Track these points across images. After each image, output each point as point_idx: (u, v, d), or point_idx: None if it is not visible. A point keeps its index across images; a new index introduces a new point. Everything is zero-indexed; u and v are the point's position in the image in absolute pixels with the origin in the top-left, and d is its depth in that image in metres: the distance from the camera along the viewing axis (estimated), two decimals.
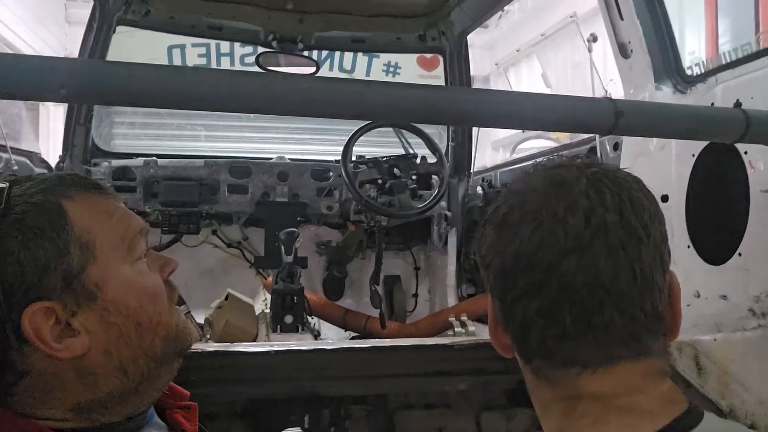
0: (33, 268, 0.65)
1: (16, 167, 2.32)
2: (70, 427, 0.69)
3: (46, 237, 0.66)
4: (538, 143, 4.01)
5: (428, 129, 2.88)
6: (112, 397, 0.71)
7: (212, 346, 1.23)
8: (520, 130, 4.48)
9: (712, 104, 1.37)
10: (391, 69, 3.99)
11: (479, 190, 3.11)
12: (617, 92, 1.67)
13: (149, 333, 0.72)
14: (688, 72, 1.55)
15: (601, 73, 2.06)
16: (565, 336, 0.58)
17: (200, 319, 2.54)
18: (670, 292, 0.62)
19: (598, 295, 0.57)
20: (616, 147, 1.84)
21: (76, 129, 2.82)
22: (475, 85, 3.35)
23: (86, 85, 0.76)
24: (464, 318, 2.60)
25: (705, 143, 1.36)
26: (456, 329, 2.53)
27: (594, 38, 2.05)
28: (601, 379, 0.58)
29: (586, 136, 2.19)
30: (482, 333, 2.72)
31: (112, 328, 0.69)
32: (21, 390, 0.68)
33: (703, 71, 1.49)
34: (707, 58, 4.56)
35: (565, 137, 3.49)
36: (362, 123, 2.64)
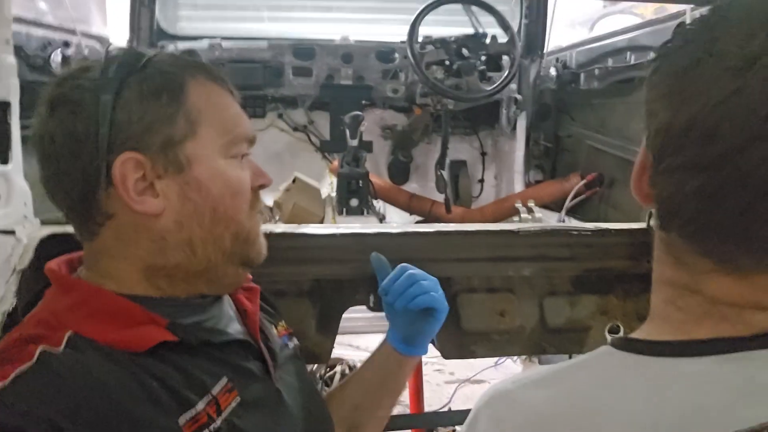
0: (140, 122, 0.71)
1: (87, 51, 2.35)
2: (137, 294, 0.73)
3: (161, 101, 0.72)
4: (620, 19, 3.72)
5: (499, 5, 2.70)
6: (178, 269, 0.75)
7: (280, 228, 1.25)
8: (600, 5, 4.15)
9: None
10: None
11: (552, 71, 2.95)
12: None
13: (221, 223, 0.75)
14: None
15: None
16: (716, 228, 0.50)
17: (269, 202, 2.61)
18: None
19: None
20: None
21: (140, 11, 2.81)
22: None
23: None
24: (531, 204, 2.56)
25: None
26: (522, 215, 2.50)
27: None
28: (730, 283, 0.52)
29: (674, 10, 2.01)
30: (549, 220, 2.69)
31: (188, 204, 0.73)
32: (104, 236, 0.74)
33: None
34: None
35: (649, 13, 3.21)
36: (430, 0, 2.51)
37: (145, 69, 0.73)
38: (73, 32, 2.33)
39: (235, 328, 0.82)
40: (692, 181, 0.50)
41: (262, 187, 0.81)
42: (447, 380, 3.46)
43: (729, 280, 0.52)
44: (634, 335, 0.57)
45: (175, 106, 0.72)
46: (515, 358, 3.45)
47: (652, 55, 2.19)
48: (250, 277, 0.90)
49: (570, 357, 1.78)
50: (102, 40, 2.69)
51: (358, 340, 3.51)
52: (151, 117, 0.71)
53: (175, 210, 0.73)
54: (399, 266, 1.07)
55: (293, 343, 0.95)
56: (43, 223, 1.23)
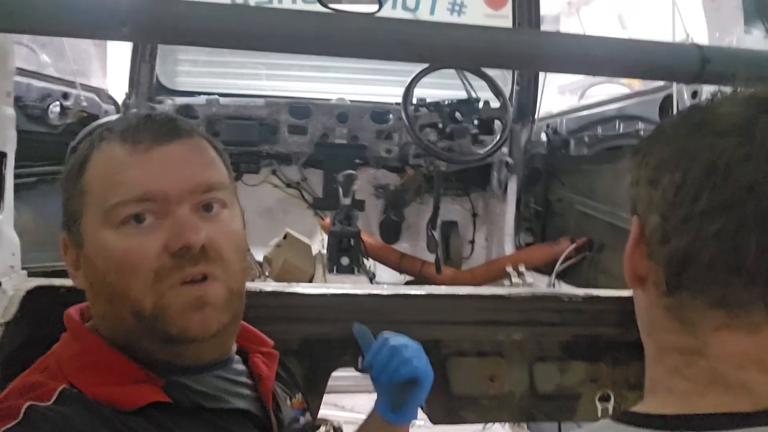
0: (65, 203, 0.75)
1: (85, 103, 2.39)
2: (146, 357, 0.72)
3: (70, 179, 0.74)
4: (608, 89, 3.83)
5: (492, 72, 2.78)
6: (131, 336, 0.72)
7: (270, 286, 1.25)
8: (590, 76, 4.28)
9: None
10: (456, 8, 3.85)
11: (543, 136, 3.01)
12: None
13: (116, 301, 0.70)
14: None
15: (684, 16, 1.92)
16: (738, 268, 0.50)
17: (259, 257, 2.60)
18: None
19: None
20: (695, 95, 1.73)
21: (141, 66, 2.87)
22: (545, 25, 3.20)
23: (148, 23, 0.76)
24: (521, 268, 2.57)
25: None
26: (513, 279, 2.50)
27: None
28: (738, 341, 0.52)
29: (661, 83, 2.07)
30: (539, 283, 2.69)
31: (89, 280, 0.73)
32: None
33: None
34: None
35: (637, 84, 3.31)
36: (425, 64, 2.58)
37: (77, 147, 0.75)
38: (72, 84, 2.37)
39: (242, 395, 0.77)
40: (712, 225, 0.51)
41: (187, 249, 0.68)
42: None
43: (738, 338, 0.52)
44: (636, 409, 0.56)
45: (76, 182, 0.73)
46: (504, 424, 3.38)
47: (640, 124, 2.26)
48: (271, 342, 0.87)
49: (559, 425, 1.74)
50: (101, 93, 2.73)
51: (344, 400, 3.44)
52: (67, 198, 0.74)
53: (86, 286, 0.74)
54: (380, 336, 1.05)
55: (305, 418, 0.89)
56: (31, 272, 1.22)
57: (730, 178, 0.50)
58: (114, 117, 0.83)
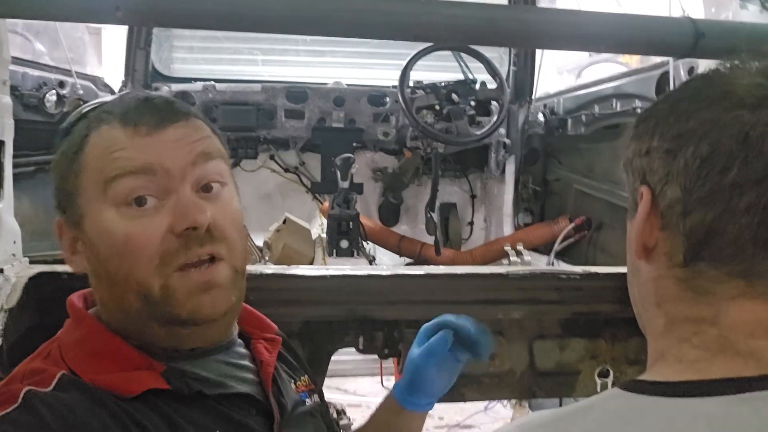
0: (58, 184, 0.73)
1: (81, 91, 2.38)
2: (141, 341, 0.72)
3: (65, 160, 0.72)
4: (605, 68, 3.81)
5: (489, 53, 2.77)
6: (134, 321, 0.71)
7: (270, 269, 1.26)
8: (586, 54, 4.26)
9: None
10: None
11: (540, 117, 3.01)
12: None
13: (118, 285, 0.69)
14: None
15: None
16: (766, 241, 0.51)
17: (259, 242, 2.61)
18: None
19: None
20: (691, 72, 1.72)
21: (136, 53, 2.86)
22: (541, 2, 3.18)
23: (141, 6, 0.75)
24: (520, 247, 2.58)
25: None
26: (511, 258, 2.52)
27: None
28: (754, 308, 0.52)
29: (658, 60, 2.07)
30: (538, 262, 2.71)
31: (90, 263, 0.72)
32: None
33: None
34: None
35: (634, 62, 3.30)
36: (421, 46, 2.57)
37: (72, 129, 0.73)
38: (68, 73, 2.36)
39: (244, 379, 0.77)
40: (743, 198, 0.51)
41: (193, 229, 0.67)
42: (436, 425, 3.40)
43: (753, 305, 0.53)
44: (644, 377, 0.56)
45: (73, 164, 0.71)
46: (505, 402, 3.41)
47: (637, 102, 2.26)
48: (275, 327, 0.87)
49: (561, 401, 1.76)
50: (97, 81, 2.72)
51: (346, 383, 3.46)
52: (61, 178, 0.72)
53: (88, 269, 0.72)
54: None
55: (313, 400, 0.87)
56: (32, 261, 1.23)
57: (764, 151, 0.50)
58: (108, 98, 0.80)
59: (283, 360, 0.86)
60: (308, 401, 0.87)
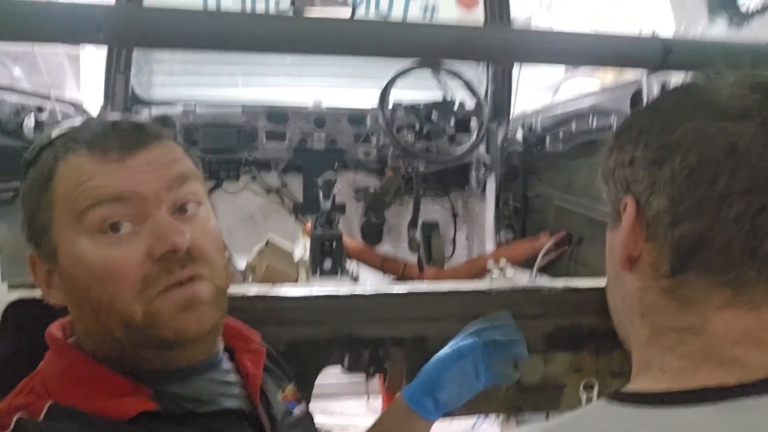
0: (29, 217, 0.71)
1: (60, 117, 2.37)
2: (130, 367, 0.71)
3: (33, 193, 0.70)
4: (581, 82, 3.89)
5: (468, 72, 2.81)
6: (120, 347, 0.70)
7: (254, 289, 1.25)
8: (563, 71, 4.34)
9: None
10: (428, 12, 3.88)
11: (519, 134, 3.05)
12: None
13: (101, 313, 0.68)
14: (743, 6, 1.46)
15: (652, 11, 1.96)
16: (754, 251, 0.51)
17: (242, 265, 2.60)
18: None
19: None
20: (664, 87, 1.77)
21: (116, 77, 2.85)
22: (517, 26, 3.24)
23: (123, 27, 0.76)
24: (503, 263, 2.59)
25: None
26: (493, 274, 2.53)
27: None
28: (738, 318, 0.52)
29: (631, 79, 2.11)
30: (521, 278, 2.72)
31: (69, 295, 0.71)
32: None
33: (761, 4, 1.40)
34: None
35: (609, 78, 3.37)
36: (400, 68, 2.60)
37: (37, 159, 0.71)
38: (47, 97, 2.35)
39: (232, 394, 0.77)
40: (732, 208, 0.51)
41: (173, 252, 0.66)
42: None
43: (739, 315, 0.53)
44: (628, 388, 0.56)
45: (43, 197, 0.69)
46: (492, 421, 3.40)
47: (613, 117, 2.30)
48: (257, 338, 0.86)
49: (547, 415, 1.77)
50: (76, 106, 2.71)
51: (332, 405, 3.43)
52: (31, 212, 0.71)
53: (67, 301, 0.72)
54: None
55: (300, 409, 0.88)
56: (11, 286, 1.21)
57: (751, 161, 0.50)
58: (72, 123, 0.77)
59: (267, 370, 0.86)
60: (295, 411, 0.87)
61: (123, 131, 0.70)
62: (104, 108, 2.87)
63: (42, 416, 0.64)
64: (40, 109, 2.28)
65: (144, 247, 0.67)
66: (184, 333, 0.69)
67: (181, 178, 0.71)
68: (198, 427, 0.71)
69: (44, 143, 0.71)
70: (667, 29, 1.49)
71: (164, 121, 2.86)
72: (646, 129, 0.57)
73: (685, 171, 0.53)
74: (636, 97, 2.02)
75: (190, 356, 0.73)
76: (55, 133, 0.72)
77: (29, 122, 2.19)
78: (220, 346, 0.80)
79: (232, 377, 0.79)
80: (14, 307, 1.09)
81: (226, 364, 0.80)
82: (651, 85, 1.86)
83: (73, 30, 0.74)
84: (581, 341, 1.41)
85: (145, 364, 0.71)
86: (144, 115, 2.85)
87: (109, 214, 0.67)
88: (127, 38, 0.86)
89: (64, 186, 0.68)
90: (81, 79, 3.52)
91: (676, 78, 1.60)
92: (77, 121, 0.75)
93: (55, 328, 0.75)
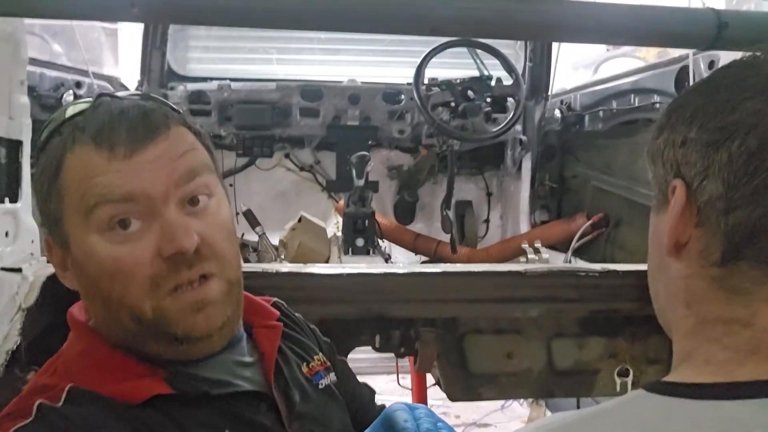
0: (41, 205, 0.72)
1: (97, 91, 2.39)
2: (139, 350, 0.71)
3: (44, 181, 0.70)
4: (622, 63, 3.77)
5: (504, 49, 2.75)
6: (131, 337, 0.70)
7: (286, 267, 1.26)
8: (603, 49, 4.21)
9: None
10: None
11: (557, 113, 2.98)
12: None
13: (112, 306, 0.68)
14: None
15: None
16: None
17: (275, 241, 2.62)
18: None
19: None
20: (712, 66, 1.69)
21: (152, 53, 2.87)
22: None
23: (156, 3, 0.75)
24: (537, 244, 2.55)
25: None
26: (529, 256, 2.49)
27: None
28: None
29: (677, 54, 2.04)
30: (555, 260, 2.68)
31: (81, 283, 0.71)
32: None
33: None
34: None
35: (652, 56, 3.26)
36: (436, 43, 2.56)
37: (46, 146, 0.71)
38: (85, 73, 2.38)
39: (249, 376, 0.76)
40: None
41: (180, 253, 0.66)
42: (453, 423, 3.39)
43: None
44: (669, 378, 0.54)
45: (53, 187, 0.69)
46: (522, 401, 3.39)
47: (656, 97, 2.23)
48: (276, 314, 0.85)
49: (578, 401, 1.74)
50: (113, 81, 2.74)
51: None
52: (44, 199, 0.71)
53: (79, 288, 0.72)
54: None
55: (327, 380, 0.85)
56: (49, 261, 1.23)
57: None
58: (78, 106, 0.73)
59: (294, 341, 0.85)
60: (323, 381, 0.84)
61: (130, 122, 0.68)
62: (141, 83, 2.90)
63: (61, 401, 0.65)
64: (78, 85, 2.31)
65: (153, 246, 0.66)
66: (192, 332, 0.69)
67: (190, 174, 0.70)
68: (213, 408, 0.70)
69: (52, 129, 0.71)
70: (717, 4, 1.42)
71: (200, 96, 2.87)
72: (702, 108, 0.54)
73: (743, 155, 0.50)
74: (681, 75, 1.95)
75: (202, 350, 0.72)
76: (62, 116, 0.71)
77: (68, 97, 2.23)
78: (240, 327, 0.79)
79: (251, 359, 0.78)
80: (52, 280, 1.11)
81: (245, 342, 0.79)
82: (698, 63, 1.78)
83: (107, 6, 0.74)
84: (617, 326, 1.39)
85: (157, 353, 0.71)
86: (180, 90, 2.87)
87: (116, 212, 0.66)
88: (161, 14, 0.86)
89: (72, 180, 0.68)
90: (119, 55, 3.55)
91: (726, 56, 1.53)
92: (87, 100, 0.73)
93: (76, 310, 0.76)
